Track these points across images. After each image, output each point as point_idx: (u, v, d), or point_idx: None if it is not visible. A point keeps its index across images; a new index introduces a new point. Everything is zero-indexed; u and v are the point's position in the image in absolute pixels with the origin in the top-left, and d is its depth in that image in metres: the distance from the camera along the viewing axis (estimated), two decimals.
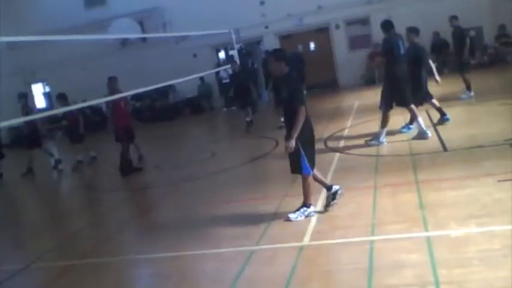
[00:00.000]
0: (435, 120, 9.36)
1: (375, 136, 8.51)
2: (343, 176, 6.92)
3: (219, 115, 18.68)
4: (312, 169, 5.59)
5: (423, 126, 8.27)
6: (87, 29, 17.00)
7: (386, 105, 8.40)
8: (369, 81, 17.93)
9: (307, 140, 5.54)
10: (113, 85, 9.90)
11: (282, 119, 10.65)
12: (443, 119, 9.12)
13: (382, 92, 8.48)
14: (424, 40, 17.48)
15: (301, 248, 4.83)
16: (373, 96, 14.35)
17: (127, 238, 6.47)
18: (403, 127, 9.19)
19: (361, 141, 8.82)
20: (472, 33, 16.89)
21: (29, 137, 11.87)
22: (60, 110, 10.81)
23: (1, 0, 20.92)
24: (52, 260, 5.91)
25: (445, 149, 7.51)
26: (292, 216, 5.54)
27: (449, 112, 10.05)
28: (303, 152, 5.45)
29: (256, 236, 5.30)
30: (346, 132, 10.15)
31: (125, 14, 18.94)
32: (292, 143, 5.35)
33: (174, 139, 14.50)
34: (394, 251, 4.41)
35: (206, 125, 17.60)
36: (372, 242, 4.65)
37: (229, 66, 16.55)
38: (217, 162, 10.02)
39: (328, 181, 5.97)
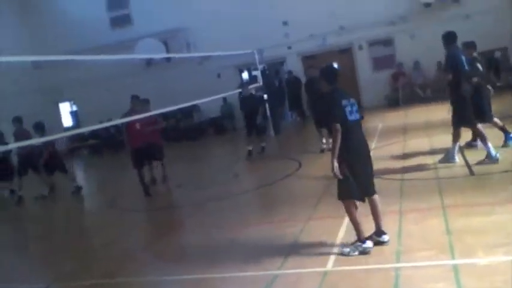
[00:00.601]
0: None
1: (447, 154, 7.99)
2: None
3: (242, 135, 18.72)
4: (360, 198, 5.13)
5: (492, 148, 7.60)
6: (113, 49, 17.31)
7: (458, 122, 7.91)
8: (392, 103, 17.81)
9: (358, 160, 5.09)
10: (134, 104, 9.95)
11: (324, 141, 10.72)
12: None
13: (453, 110, 7.97)
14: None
15: (325, 273, 4.77)
16: (397, 118, 14.33)
17: (150, 258, 6.48)
18: (468, 143, 8.88)
19: (385, 164, 8.69)
20: (498, 53, 16.74)
21: (49, 161, 11.53)
22: (87, 129, 10.95)
23: (30, 20, 21.61)
24: (75, 279, 5.95)
25: (471, 173, 7.39)
26: (345, 250, 5.11)
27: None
28: (350, 176, 5.01)
29: (279, 260, 5.27)
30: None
31: (149, 34, 19.28)
32: (335, 167, 4.96)
33: (197, 159, 14.59)
34: (420, 279, 4.33)
35: (229, 145, 17.67)
36: (398, 269, 4.57)
37: (252, 86, 16.71)
38: (240, 183, 10.03)
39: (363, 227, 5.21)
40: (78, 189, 11.58)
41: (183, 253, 6.29)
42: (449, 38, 7.78)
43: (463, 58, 7.73)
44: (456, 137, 7.93)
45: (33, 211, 11.48)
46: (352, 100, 5.20)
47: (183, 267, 5.70)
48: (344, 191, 5.11)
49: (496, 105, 11.92)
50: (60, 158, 11.98)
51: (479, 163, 7.55)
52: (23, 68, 18.62)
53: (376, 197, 5.26)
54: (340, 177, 5.01)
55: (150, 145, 10.09)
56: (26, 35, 21.29)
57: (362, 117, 5.31)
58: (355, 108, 5.16)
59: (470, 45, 8.54)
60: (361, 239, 5.11)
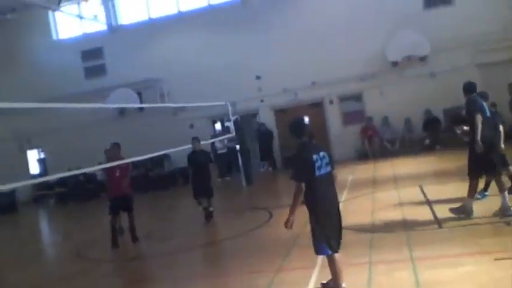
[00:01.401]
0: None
1: (462, 207, 7.55)
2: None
3: (214, 185, 18.62)
4: (334, 250, 5.09)
5: (508, 200, 7.37)
6: (87, 98, 17.32)
7: (474, 172, 7.60)
8: (361, 156, 18.13)
9: (324, 216, 5.10)
10: (115, 151, 9.87)
11: None
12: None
13: (469, 159, 7.72)
14: (415, 118, 17.98)
15: None
16: (366, 170, 14.54)
17: None
18: (478, 193, 8.47)
19: (355, 216, 8.73)
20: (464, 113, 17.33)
21: None
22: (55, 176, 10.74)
23: (7, 67, 21.57)
24: None
25: (440, 225, 7.48)
26: None
27: (446, 188, 10.12)
28: (318, 231, 5.05)
29: None
30: (340, 206, 10.10)
31: (123, 84, 19.41)
32: (290, 220, 5.05)
33: (166, 209, 14.38)
34: None
35: None
36: None
37: (225, 136, 16.83)
38: (210, 234, 9.89)
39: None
40: None
41: None
42: (469, 88, 7.72)
43: (485, 105, 7.64)
44: (473, 188, 7.57)
45: None
46: (323, 153, 5.18)
47: None
48: (318, 247, 5.11)
49: (456, 162, 12.28)
50: None
51: (495, 214, 7.29)
52: None
53: (337, 255, 5.17)
54: (288, 228, 5.09)
55: (126, 194, 9.88)
56: (5, 83, 21.22)
57: (332, 169, 5.31)
58: (325, 161, 5.16)
59: (483, 96, 8.25)
60: None
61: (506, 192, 7.35)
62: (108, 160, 9.75)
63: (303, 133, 5.25)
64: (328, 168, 5.20)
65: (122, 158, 9.57)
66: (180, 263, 7.97)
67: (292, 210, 5.05)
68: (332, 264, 5.12)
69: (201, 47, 19.77)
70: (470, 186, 7.58)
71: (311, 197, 5.05)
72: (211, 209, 10.74)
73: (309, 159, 5.05)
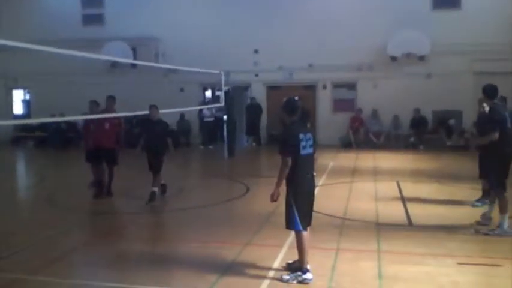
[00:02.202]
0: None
1: (499, 225, 6.80)
2: (308, 233, 6.90)
3: (195, 152, 18.64)
4: (304, 228, 5.24)
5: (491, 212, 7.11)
6: (81, 46, 16.95)
7: (501, 187, 6.87)
8: (345, 145, 18.23)
9: (301, 194, 5.25)
10: (110, 105, 9.81)
11: None
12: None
13: (491, 172, 7.06)
14: (404, 115, 18.08)
15: None
16: (348, 159, 14.63)
17: (80, 261, 6.28)
18: (477, 200, 8.52)
19: (329, 202, 8.81)
20: (452, 121, 17.51)
21: None
22: (38, 120, 10.59)
23: (6, 2, 21.06)
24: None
25: (410, 223, 7.59)
26: (285, 277, 5.19)
27: (422, 188, 10.26)
28: (294, 206, 5.17)
29: (211, 280, 5.20)
30: (316, 190, 10.17)
31: (120, 38, 19.10)
32: (276, 193, 5.23)
33: (145, 168, 14.29)
34: None
35: (180, 159, 17.49)
36: None
37: (214, 105, 16.75)
38: (184, 200, 9.91)
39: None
40: None
41: (113, 261, 6.12)
42: (492, 92, 6.99)
43: (507, 114, 7.01)
44: (505, 205, 6.81)
45: None
46: (309, 135, 5.33)
47: (111, 275, 5.56)
48: (290, 221, 5.23)
49: (437, 164, 12.44)
50: None
51: (490, 232, 6.80)
52: None
53: (306, 233, 5.28)
54: (273, 201, 5.27)
55: (111, 148, 9.77)
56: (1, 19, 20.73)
57: (314, 152, 5.41)
58: (309, 142, 5.30)
59: (502, 100, 7.95)
60: (303, 270, 5.18)
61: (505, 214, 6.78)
62: (100, 111, 9.63)
63: (294, 112, 5.36)
64: (311, 150, 5.33)
65: (114, 111, 9.55)
66: (149, 223, 8.01)
67: (278, 184, 5.23)
68: (300, 242, 5.24)
69: (203, 13, 19.47)
70: (501, 202, 6.85)
71: (292, 173, 5.18)
72: (154, 189, 9.20)
73: (295, 136, 5.20)
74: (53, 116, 15.86)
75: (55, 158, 17.75)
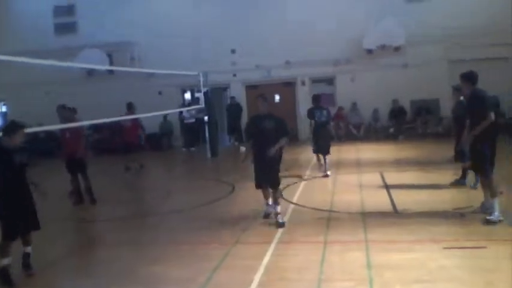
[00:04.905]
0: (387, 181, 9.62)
1: (490, 210, 6.77)
2: (295, 228, 6.96)
3: (178, 154, 18.58)
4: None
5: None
6: (55, 55, 16.78)
7: (490, 169, 6.83)
8: None
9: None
10: (67, 114, 9.89)
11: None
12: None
13: (478, 156, 6.89)
14: (383, 107, 18.27)
15: None
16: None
17: (67, 270, 6.21)
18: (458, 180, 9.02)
19: (315, 195, 8.89)
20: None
21: None
22: None
23: None
24: None
25: (396, 211, 7.68)
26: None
27: (405, 176, 10.39)
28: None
29: (202, 280, 5.20)
30: (301, 185, 10.26)
31: (94, 45, 18.90)
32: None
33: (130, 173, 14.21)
34: None
35: (164, 162, 17.43)
36: None
37: (194, 107, 16.70)
38: (170, 202, 9.88)
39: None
40: None
41: (102, 267, 6.07)
42: (473, 78, 7.00)
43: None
44: (494, 187, 6.81)
45: None
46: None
47: (101, 282, 5.52)
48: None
49: (417, 152, 12.54)
50: None
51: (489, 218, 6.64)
52: None
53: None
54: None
55: (77, 157, 9.69)
56: None
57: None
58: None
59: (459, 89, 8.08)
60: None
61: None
62: (62, 121, 9.80)
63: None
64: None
65: (74, 121, 9.67)
66: (137, 228, 7.96)
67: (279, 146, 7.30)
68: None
69: (178, 14, 19.38)
70: (490, 185, 6.84)
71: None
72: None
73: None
74: (31, 126, 15.61)
75: (36, 167, 17.47)
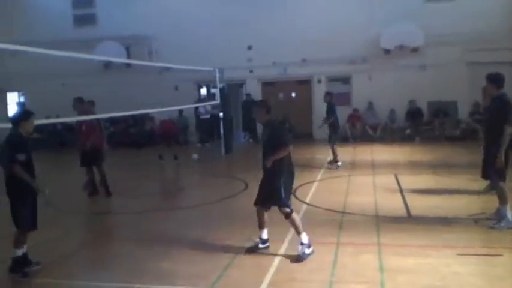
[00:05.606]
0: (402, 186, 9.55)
1: (500, 217, 6.65)
2: (308, 228, 6.89)
3: (193, 149, 18.59)
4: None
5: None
6: (73, 47, 16.90)
7: (500, 177, 6.61)
8: (342, 139, 18.20)
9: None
10: (85, 106, 9.94)
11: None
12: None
13: (488, 162, 6.71)
14: (400, 107, 18.12)
15: None
16: (345, 153, 14.62)
17: (82, 262, 6.29)
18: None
19: (328, 196, 8.85)
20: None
21: None
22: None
23: None
24: None
25: (409, 215, 7.62)
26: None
27: (420, 180, 10.29)
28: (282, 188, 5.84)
29: (212, 278, 5.22)
30: (315, 185, 10.22)
31: (112, 37, 19.03)
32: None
33: (144, 167, 14.31)
34: None
35: (179, 157, 17.47)
36: None
37: (210, 103, 16.73)
38: (182, 199, 9.92)
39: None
40: None
41: (115, 260, 6.13)
42: (499, 80, 6.53)
43: None
44: (504, 195, 6.60)
45: None
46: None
47: (114, 275, 5.55)
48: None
49: (433, 155, 12.39)
50: None
51: (495, 225, 6.59)
52: None
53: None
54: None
55: (93, 149, 9.81)
56: None
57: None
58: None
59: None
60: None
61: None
62: (79, 113, 9.86)
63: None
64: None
65: (92, 114, 9.67)
66: (150, 222, 8.00)
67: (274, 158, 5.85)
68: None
69: (196, 10, 19.41)
70: (500, 192, 6.66)
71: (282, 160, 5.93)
72: None
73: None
74: (49, 117, 15.79)
75: (52, 159, 17.68)
